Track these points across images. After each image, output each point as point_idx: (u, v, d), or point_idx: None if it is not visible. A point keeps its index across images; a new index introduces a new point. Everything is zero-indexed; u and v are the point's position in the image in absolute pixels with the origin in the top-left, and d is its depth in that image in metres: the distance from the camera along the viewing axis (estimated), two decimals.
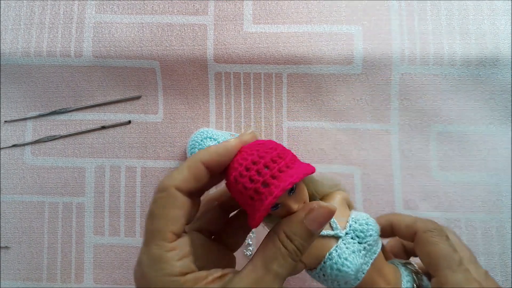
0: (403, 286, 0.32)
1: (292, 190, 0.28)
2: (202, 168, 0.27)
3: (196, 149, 0.46)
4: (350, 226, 0.32)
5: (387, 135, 0.49)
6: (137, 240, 0.49)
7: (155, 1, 0.51)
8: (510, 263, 0.47)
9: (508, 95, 0.49)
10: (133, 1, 0.51)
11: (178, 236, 0.26)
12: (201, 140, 0.46)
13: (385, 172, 0.49)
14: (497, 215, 0.48)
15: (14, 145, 0.50)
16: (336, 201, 0.33)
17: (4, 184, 0.50)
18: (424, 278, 0.33)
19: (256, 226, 0.27)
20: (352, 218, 0.33)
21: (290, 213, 0.28)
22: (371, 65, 0.49)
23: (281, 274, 0.25)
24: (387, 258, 0.35)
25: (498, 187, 0.48)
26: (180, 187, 0.26)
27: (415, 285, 0.32)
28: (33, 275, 0.49)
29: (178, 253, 0.25)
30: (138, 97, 0.51)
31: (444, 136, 0.49)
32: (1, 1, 0.51)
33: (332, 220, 0.31)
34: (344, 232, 0.32)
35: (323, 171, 0.49)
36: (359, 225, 0.32)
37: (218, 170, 0.28)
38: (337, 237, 0.31)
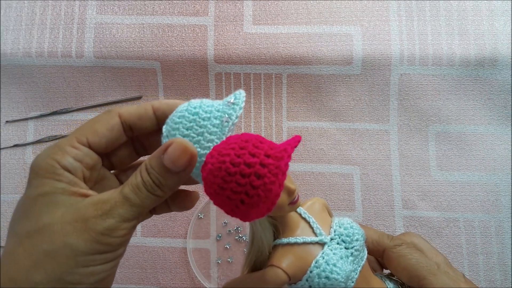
0: None
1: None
2: (150, 111, 0.28)
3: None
4: (335, 231, 0.30)
5: (386, 135, 0.50)
6: (138, 239, 0.49)
7: (156, 2, 0.51)
8: (510, 263, 0.47)
9: (507, 95, 0.49)
10: (133, 2, 0.51)
11: (90, 147, 0.27)
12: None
13: (384, 172, 0.49)
14: (496, 214, 0.48)
15: (15, 145, 0.50)
16: (316, 207, 0.32)
17: (5, 184, 0.50)
18: None
19: (269, 211, 0.25)
20: (336, 223, 0.31)
21: (290, 198, 0.27)
22: (370, 66, 0.49)
23: (132, 200, 0.25)
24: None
25: (497, 186, 0.48)
26: (122, 115, 0.28)
27: None
28: None
29: (75, 152, 0.26)
30: (139, 98, 0.51)
31: (443, 136, 0.49)
32: (2, 2, 0.51)
33: (315, 226, 0.30)
34: (329, 237, 0.30)
35: (322, 170, 0.49)
36: (344, 229, 0.30)
37: (163, 118, 0.29)
38: (322, 244, 0.29)
